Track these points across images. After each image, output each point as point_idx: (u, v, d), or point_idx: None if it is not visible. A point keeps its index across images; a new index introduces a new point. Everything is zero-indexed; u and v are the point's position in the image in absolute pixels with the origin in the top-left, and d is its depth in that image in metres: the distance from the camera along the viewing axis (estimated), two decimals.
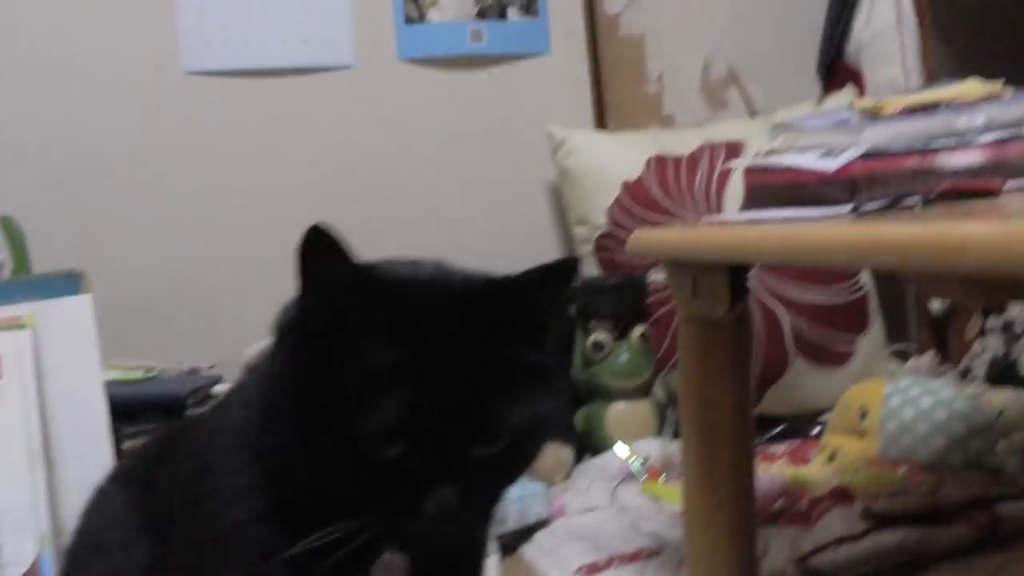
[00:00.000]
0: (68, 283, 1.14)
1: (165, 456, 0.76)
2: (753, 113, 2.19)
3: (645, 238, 1.11)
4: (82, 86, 1.85)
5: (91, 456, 1.01)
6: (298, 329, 0.63)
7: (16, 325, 1.02)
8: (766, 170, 1.07)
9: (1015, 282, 0.98)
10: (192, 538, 0.67)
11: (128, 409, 1.13)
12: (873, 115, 1.05)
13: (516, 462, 0.66)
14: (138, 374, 1.31)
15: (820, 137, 1.05)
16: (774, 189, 1.05)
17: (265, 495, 0.64)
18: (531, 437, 0.65)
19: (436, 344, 0.61)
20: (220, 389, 1.32)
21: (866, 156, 0.98)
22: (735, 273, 1.00)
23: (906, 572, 1.20)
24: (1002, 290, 1.22)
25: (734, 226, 1.05)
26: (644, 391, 1.77)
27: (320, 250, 0.61)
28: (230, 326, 1.64)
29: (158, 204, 1.89)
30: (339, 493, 0.60)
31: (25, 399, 0.98)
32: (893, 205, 0.94)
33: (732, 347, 1.03)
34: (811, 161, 1.02)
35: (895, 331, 2.07)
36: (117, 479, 0.80)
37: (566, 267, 0.68)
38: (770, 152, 1.10)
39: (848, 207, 0.93)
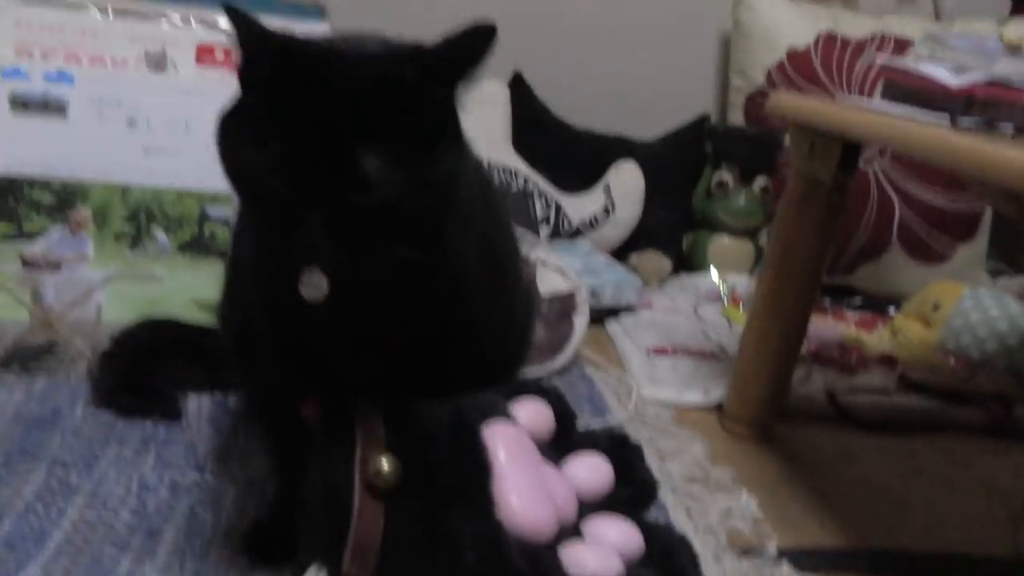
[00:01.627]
0: (313, 10, 1.38)
1: None
2: (939, 16, 2.26)
3: (784, 100, 1.30)
4: None
5: None
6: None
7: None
8: (903, 71, 1.24)
9: None
10: None
11: None
12: (1014, 49, 1.20)
13: (397, 219, 0.70)
14: None
15: (959, 55, 1.21)
16: (904, 89, 1.22)
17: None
18: (410, 200, 0.69)
19: (320, 104, 0.67)
20: None
21: (991, 82, 1.14)
22: (848, 148, 1.20)
23: (918, 431, 1.42)
24: None
25: (857, 108, 1.24)
26: (750, 234, 2.00)
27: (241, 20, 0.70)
28: None
29: None
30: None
31: None
32: (989, 127, 1.12)
33: (826, 209, 1.24)
34: (942, 73, 1.18)
35: (999, 251, 2.21)
36: None
37: (478, 35, 0.70)
38: (915, 56, 1.27)
39: (950, 119, 1.11)
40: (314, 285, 0.73)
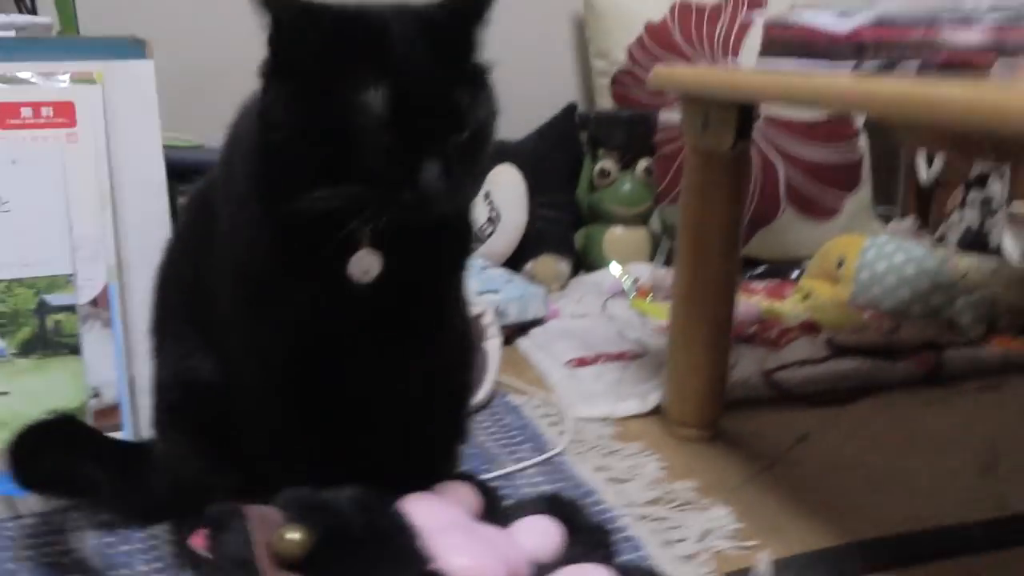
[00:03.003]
0: (133, 48, 1.21)
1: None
2: None
3: (666, 73, 1.21)
4: None
5: (150, 206, 1.12)
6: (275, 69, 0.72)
7: (88, 79, 1.11)
8: (785, 25, 1.16)
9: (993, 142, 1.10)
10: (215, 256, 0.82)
11: (180, 171, 1.23)
12: None
13: (479, 150, 0.75)
14: (187, 143, 1.42)
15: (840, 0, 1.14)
16: (790, 42, 1.14)
17: (264, 203, 0.75)
18: (487, 128, 0.76)
19: (406, 56, 0.70)
20: None
21: (877, 23, 1.08)
22: (743, 113, 1.11)
23: (858, 396, 1.36)
24: (979, 147, 1.33)
25: (752, 71, 1.16)
26: (642, 220, 1.91)
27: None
28: None
29: None
30: (334, 183, 0.70)
31: (96, 145, 1.08)
32: (890, 68, 1.05)
33: (731, 180, 1.15)
34: (826, 20, 1.11)
35: (883, 196, 2.19)
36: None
37: None
38: (792, 7, 1.19)
39: (850, 65, 1.03)
40: (366, 265, 0.75)
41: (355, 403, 0.83)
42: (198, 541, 0.73)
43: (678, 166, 1.99)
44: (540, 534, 0.84)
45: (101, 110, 1.10)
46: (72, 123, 1.08)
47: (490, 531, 0.80)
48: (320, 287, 0.77)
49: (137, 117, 1.13)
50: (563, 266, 1.83)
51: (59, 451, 0.88)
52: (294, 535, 0.66)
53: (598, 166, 1.88)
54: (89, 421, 1.02)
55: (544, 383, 1.40)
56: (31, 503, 0.99)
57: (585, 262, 1.91)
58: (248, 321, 0.80)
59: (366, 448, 0.84)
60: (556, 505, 0.89)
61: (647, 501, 1.06)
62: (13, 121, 1.05)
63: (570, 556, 0.83)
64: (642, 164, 1.89)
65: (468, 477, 0.93)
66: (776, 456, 1.18)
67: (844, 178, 2.04)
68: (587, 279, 1.84)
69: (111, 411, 1.05)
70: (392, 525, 0.72)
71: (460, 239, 0.85)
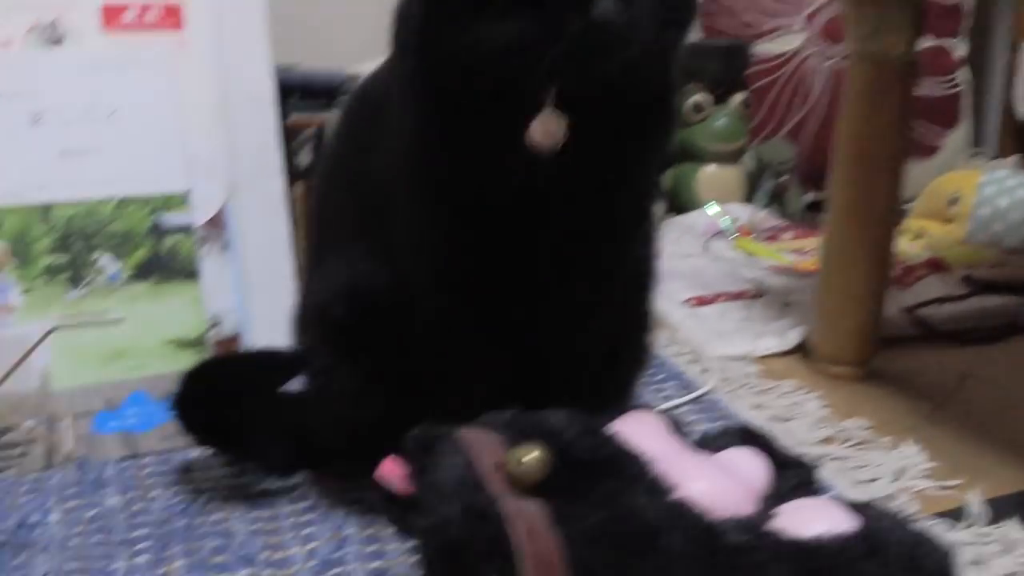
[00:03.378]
0: None
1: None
2: None
3: None
4: None
5: (262, 123, 1.02)
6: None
7: None
8: None
9: None
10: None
11: (287, 89, 1.14)
12: None
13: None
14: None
15: None
16: None
17: (429, 50, 0.64)
18: None
19: None
20: None
21: None
22: (917, 14, 1.01)
23: (1005, 334, 1.26)
24: None
25: None
26: (736, 157, 1.80)
27: None
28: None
29: None
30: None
31: (208, 53, 0.98)
32: None
33: (902, 87, 1.04)
34: None
35: (977, 136, 2.08)
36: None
37: None
38: None
39: None
40: (549, 127, 0.64)
41: (539, 315, 0.72)
42: (392, 470, 0.63)
43: (773, 101, 1.88)
44: (751, 466, 0.73)
45: (211, 16, 0.99)
46: (179, 26, 0.97)
47: (711, 458, 0.70)
48: (498, 159, 0.65)
49: (247, 28, 1.03)
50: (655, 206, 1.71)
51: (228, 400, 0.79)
52: (534, 454, 0.56)
53: (691, 100, 1.76)
54: (209, 352, 0.92)
55: (665, 322, 1.30)
56: (152, 441, 0.89)
57: (675, 204, 1.80)
58: (423, 213, 0.69)
59: (548, 371, 0.74)
60: (750, 437, 0.79)
61: (819, 440, 0.97)
62: (117, 23, 0.94)
63: (782, 491, 0.73)
64: (737, 98, 1.77)
65: (647, 408, 0.83)
66: (943, 395, 1.08)
67: (944, 114, 1.93)
68: (679, 221, 1.73)
69: (231, 342, 0.95)
70: (619, 450, 0.62)
71: (657, 113, 0.70)
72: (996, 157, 2.09)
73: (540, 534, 0.52)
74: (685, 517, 0.56)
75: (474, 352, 0.72)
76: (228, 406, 0.80)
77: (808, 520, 0.60)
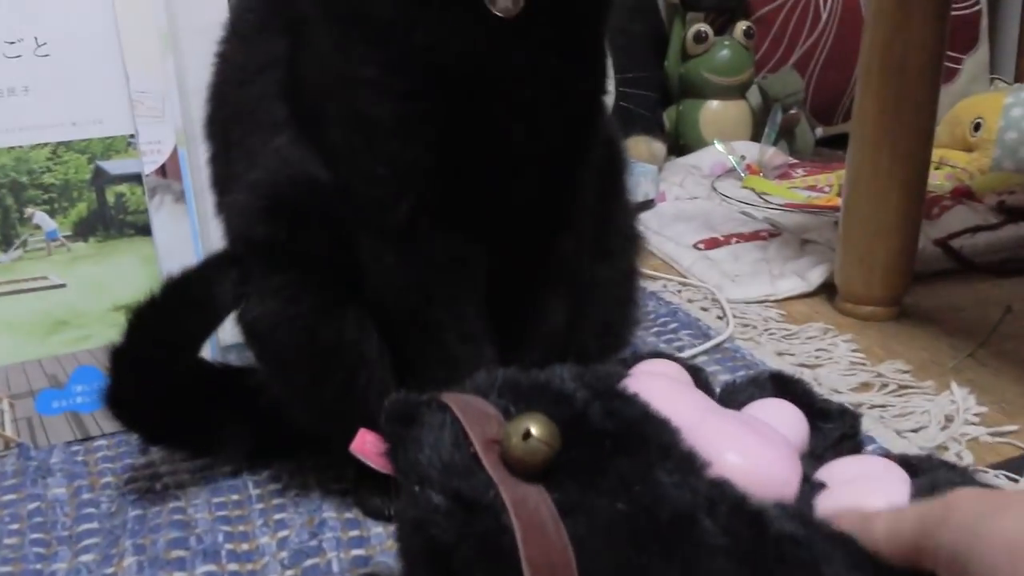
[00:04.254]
0: None
1: None
2: None
3: None
4: None
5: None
6: None
7: None
8: None
9: None
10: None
11: None
12: None
13: None
14: None
15: None
16: None
17: None
18: None
19: None
20: None
21: None
22: None
23: None
24: None
25: None
26: (740, 92, 1.68)
27: None
28: None
29: None
30: None
31: None
32: None
33: None
34: None
35: (994, 63, 1.96)
36: None
37: None
38: None
39: None
40: None
41: (515, 206, 0.63)
42: (365, 446, 0.52)
43: (776, 32, 1.76)
44: (785, 420, 0.62)
45: None
46: None
47: (742, 416, 0.59)
48: (458, 24, 0.56)
49: None
50: (657, 146, 1.60)
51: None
52: (541, 428, 0.45)
53: (693, 29, 1.64)
54: None
55: (675, 267, 1.19)
56: (104, 421, 0.79)
57: (678, 143, 1.69)
58: (378, 96, 0.57)
59: (531, 277, 0.66)
60: (782, 385, 0.68)
61: (854, 387, 0.86)
62: None
63: (824, 447, 0.62)
64: (741, 26, 1.65)
65: (663, 355, 0.72)
66: (986, 332, 0.97)
67: (963, 36, 1.81)
68: (683, 161, 1.62)
69: None
70: (642, 415, 0.51)
71: None
72: (1017, 82, 1.97)
73: (545, 530, 0.41)
74: (723, 502, 0.46)
75: (448, 261, 0.62)
76: (168, 392, 0.69)
77: (864, 494, 0.49)
